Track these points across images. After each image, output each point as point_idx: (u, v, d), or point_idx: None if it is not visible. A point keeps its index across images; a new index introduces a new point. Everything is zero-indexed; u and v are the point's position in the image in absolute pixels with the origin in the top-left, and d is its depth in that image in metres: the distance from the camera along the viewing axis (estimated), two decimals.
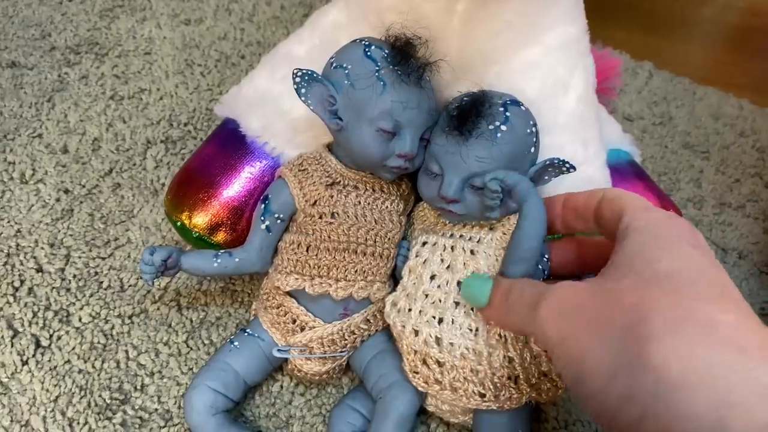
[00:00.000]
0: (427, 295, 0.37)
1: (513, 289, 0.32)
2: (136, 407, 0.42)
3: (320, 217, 0.40)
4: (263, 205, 0.41)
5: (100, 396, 0.42)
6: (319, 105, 0.38)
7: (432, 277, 0.38)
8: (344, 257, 0.40)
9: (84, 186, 0.54)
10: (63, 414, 0.40)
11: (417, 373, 0.37)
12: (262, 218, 0.41)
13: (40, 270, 0.48)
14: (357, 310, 0.41)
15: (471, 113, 0.36)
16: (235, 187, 0.45)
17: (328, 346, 0.41)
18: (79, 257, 0.49)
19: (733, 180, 0.67)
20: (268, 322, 0.42)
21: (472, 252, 0.38)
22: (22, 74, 0.62)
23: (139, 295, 0.47)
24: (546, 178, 0.38)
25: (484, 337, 0.36)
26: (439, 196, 0.37)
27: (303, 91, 0.37)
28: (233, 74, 0.66)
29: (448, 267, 0.38)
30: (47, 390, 0.41)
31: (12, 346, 0.43)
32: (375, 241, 0.40)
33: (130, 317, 0.46)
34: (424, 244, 0.40)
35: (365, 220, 0.40)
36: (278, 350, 0.41)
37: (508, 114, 0.37)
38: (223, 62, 0.67)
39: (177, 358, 0.44)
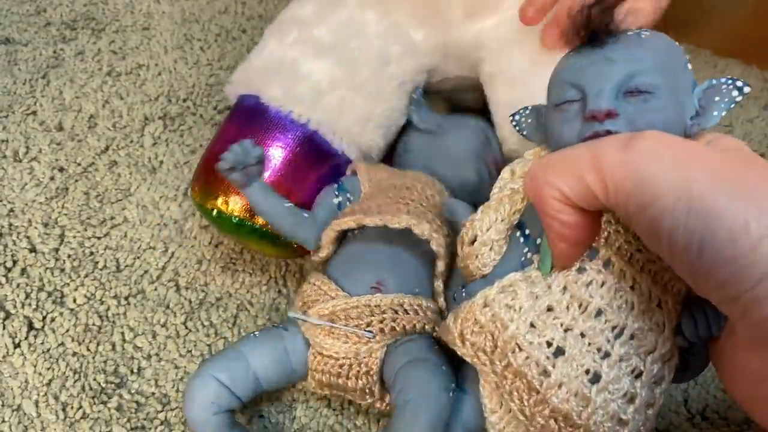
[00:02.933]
0: (550, 310, 0.28)
1: (552, 154, 0.26)
2: (133, 391, 0.40)
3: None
4: (336, 185, 0.40)
5: (94, 379, 0.40)
6: None
7: (564, 289, 0.28)
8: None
9: (79, 164, 0.52)
10: (56, 398, 0.39)
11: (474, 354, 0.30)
12: (336, 193, 0.40)
13: (33, 250, 0.46)
14: (392, 290, 0.36)
15: (601, 21, 0.27)
16: (269, 163, 0.41)
17: (352, 320, 0.36)
18: (74, 237, 0.47)
19: (757, 154, 0.64)
20: (295, 307, 0.39)
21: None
22: (16, 50, 0.60)
23: (135, 276, 0.45)
24: (715, 113, 0.28)
25: (606, 387, 0.27)
26: (586, 118, 0.27)
27: None
28: (234, 49, 0.64)
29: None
30: (40, 373, 0.40)
31: (4, 328, 0.41)
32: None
33: (126, 298, 0.44)
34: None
35: None
36: (294, 314, 0.37)
37: (645, 30, 0.28)
38: (224, 37, 0.65)
39: (175, 340, 0.42)
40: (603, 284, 0.27)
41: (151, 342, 0.42)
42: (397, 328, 0.36)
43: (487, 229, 0.31)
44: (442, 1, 0.44)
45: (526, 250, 0.30)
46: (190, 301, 0.44)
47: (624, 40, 0.27)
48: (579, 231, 0.26)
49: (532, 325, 0.28)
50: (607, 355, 0.27)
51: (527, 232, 0.30)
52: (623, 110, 0.26)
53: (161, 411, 0.39)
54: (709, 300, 0.23)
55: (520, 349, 0.27)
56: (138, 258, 0.46)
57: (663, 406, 0.29)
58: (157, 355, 0.41)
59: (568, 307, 0.27)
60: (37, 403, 0.38)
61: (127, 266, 0.46)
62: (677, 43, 0.29)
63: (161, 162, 0.53)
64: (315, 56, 0.43)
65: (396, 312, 0.36)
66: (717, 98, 0.28)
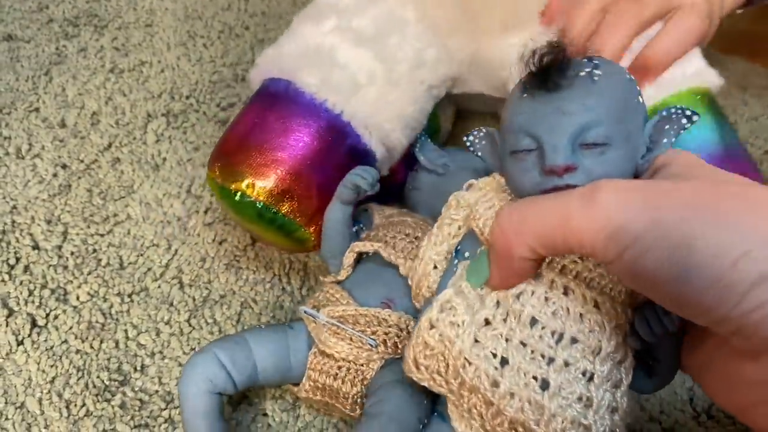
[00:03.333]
0: (487, 324, 0.28)
1: (507, 207, 0.27)
2: (136, 389, 0.40)
3: None
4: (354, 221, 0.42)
5: (98, 377, 0.40)
6: None
7: (497, 303, 0.29)
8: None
9: (82, 161, 0.52)
10: (60, 396, 0.38)
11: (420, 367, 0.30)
12: (353, 224, 0.42)
13: (36, 247, 0.45)
14: (401, 308, 0.37)
15: (554, 64, 0.27)
16: (297, 149, 0.40)
17: (359, 326, 0.36)
18: (77, 234, 0.47)
19: (762, 152, 0.63)
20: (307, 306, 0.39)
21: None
22: (19, 47, 0.60)
23: (139, 273, 0.45)
24: (665, 140, 0.29)
25: (558, 392, 0.27)
26: (545, 171, 0.27)
27: None
28: (237, 46, 0.64)
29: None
30: (43, 371, 0.39)
31: (7, 325, 0.41)
32: None
33: (129, 295, 0.44)
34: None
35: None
36: (305, 310, 0.37)
37: (596, 62, 0.28)
38: (227, 33, 0.65)
39: (179, 338, 0.42)
40: (533, 293, 0.28)
41: (154, 339, 0.42)
42: (399, 346, 0.36)
43: (433, 254, 0.33)
44: (482, 9, 0.44)
45: (456, 261, 0.32)
46: (194, 299, 0.44)
47: (577, 85, 0.27)
48: (532, 271, 0.27)
49: (475, 339, 0.28)
50: (551, 360, 0.27)
51: (458, 248, 0.32)
52: (581, 163, 0.27)
53: (165, 409, 0.39)
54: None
55: (469, 364, 0.28)
56: (141, 255, 0.46)
57: (630, 411, 0.29)
58: (160, 352, 0.41)
59: (504, 320, 0.28)
60: (40, 400, 0.38)
61: (130, 263, 0.46)
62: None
63: (164, 159, 0.53)
64: (355, 46, 0.43)
65: (401, 330, 0.37)
66: (667, 127, 0.29)
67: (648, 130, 0.29)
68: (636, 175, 0.29)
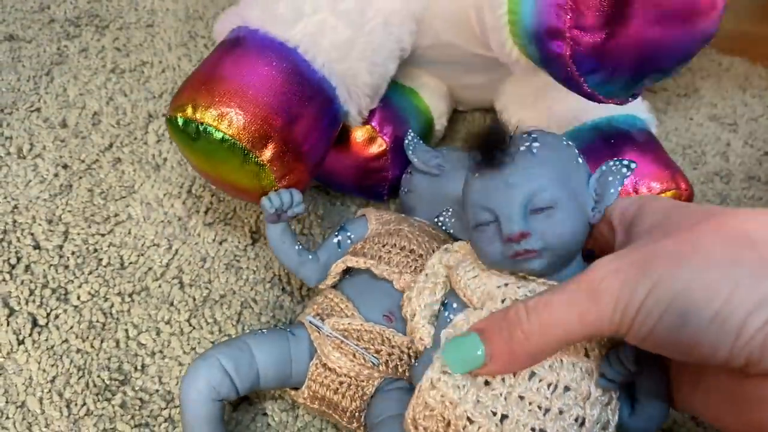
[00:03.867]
0: (487, 384, 0.30)
1: (521, 307, 0.28)
2: (136, 388, 0.40)
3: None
4: (339, 227, 0.43)
5: (98, 376, 0.40)
6: None
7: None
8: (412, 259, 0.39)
9: (83, 161, 0.52)
10: (60, 395, 0.39)
11: None
12: (336, 233, 0.42)
13: (37, 247, 0.46)
14: (401, 321, 0.37)
15: (495, 143, 0.31)
16: (255, 82, 0.39)
17: (363, 342, 0.37)
18: (78, 234, 0.47)
19: (762, 153, 0.63)
20: (307, 313, 0.39)
21: None
22: (20, 47, 0.60)
23: (139, 273, 0.45)
24: (611, 191, 0.32)
25: None
26: (504, 240, 0.30)
27: None
28: None
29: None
30: (44, 370, 0.40)
31: (8, 324, 0.41)
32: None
33: (130, 295, 0.44)
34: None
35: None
36: (311, 320, 0.38)
37: (533, 135, 0.32)
38: None
39: (179, 338, 0.42)
40: None
41: (155, 339, 0.42)
42: (400, 369, 0.37)
43: (424, 306, 0.35)
44: None
45: (447, 313, 0.34)
46: (194, 299, 0.44)
47: (519, 160, 0.31)
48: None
49: (477, 400, 0.29)
50: (547, 410, 0.29)
51: (445, 302, 0.35)
52: (534, 228, 0.30)
53: (165, 408, 0.39)
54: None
55: (472, 422, 0.29)
56: (142, 255, 0.46)
57: None
58: (161, 352, 0.41)
59: (503, 379, 0.29)
60: (41, 399, 0.38)
61: (131, 263, 0.46)
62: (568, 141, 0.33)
63: (165, 159, 0.53)
64: None
65: (402, 353, 0.37)
66: (611, 178, 0.32)
67: (592, 185, 0.32)
68: (591, 225, 0.32)
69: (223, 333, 0.43)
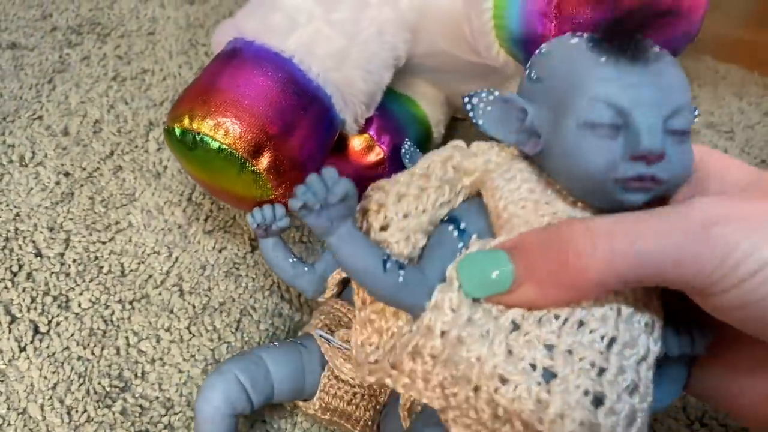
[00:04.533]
0: (517, 328, 0.23)
1: (583, 227, 0.22)
2: (137, 395, 0.40)
3: None
4: None
5: (99, 383, 0.40)
6: None
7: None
8: None
9: (84, 169, 0.52)
10: (61, 402, 0.39)
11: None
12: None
13: (39, 254, 0.46)
14: None
15: (637, 26, 0.23)
16: (254, 93, 0.40)
17: None
18: (79, 241, 0.47)
19: (758, 161, 0.64)
20: (315, 325, 0.39)
21: None
22: (23, 55, 0.61)
23: (140, 280, 0.46)
24: None
25: (612, 408, 0.22)
26: (632, 156, 0.22)
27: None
28: None
29: None
30: (45, 377, 0.40)
31: (10, 332, 0.42)
32: None
33: (130, 302, 0.44)
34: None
35: None
36: (320, 334, 0.37)
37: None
38: None
39: (179, 345, 0.43)
40: None
41: (155, 346, 0.42)
42: None
43: (404, 216, 0.26)
44: None
45: (461, 245, 0.25)
46: (194, 306, 0.45)
47: (663, 60, 0.24)
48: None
49: (509, 351, 0.23)
50: (602, 371, 0.22)
51: (462, 226, 0.26)
52: (669, 153, 0.23)
53: (165, 415, 0.39)
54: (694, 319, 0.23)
55: (505, 382, 0.22)
56: (142, 263, 0.47)
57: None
58: (161, 359, 0.42)
59: (540, 321, 0.23)
60: (42, 406, 0.39)
61: (131, 271, 0.46)
62: None
63: (165, 167, 0.53)
64: None
65: None
66: None
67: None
68: None
69: (222, 340, 0.43)
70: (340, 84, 0.44)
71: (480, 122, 0.26)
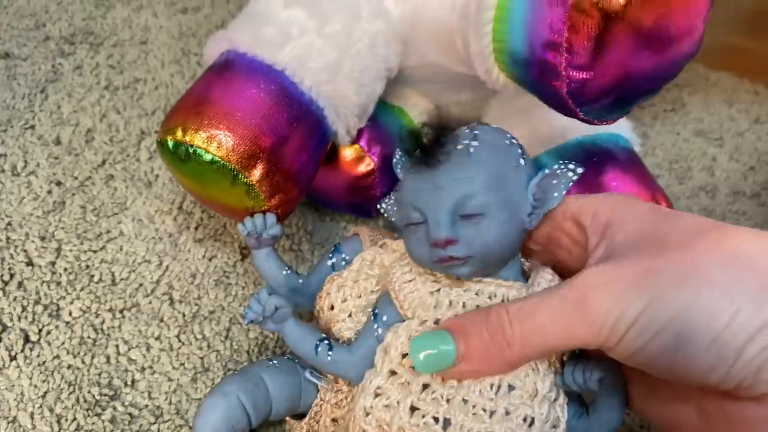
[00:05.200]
0: (426, 387, 0.29)
1: (504, 312, 0.27)
2: (126, 403, 0.40)
3: None
4: (333, 248, 0.42)
5: (89, 392, 0.40)
6: None
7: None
8: None
9: (76, 178, 0.53)
10: (51, 410, 0.39)
11: None
12: (330, 255, 0.41)
13: (30, 263, 0.46)
14: None
15: (433, 141, 0.30)
16: (246, 105, 0.40)
17: None
18: (70, 250, 0.48)
19: (747, 168, 0.64)
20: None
21: None
22: (16, 65, 0.61)
23: (131, 289, 0.46)
24: (555, 194, 0.31)
25: None
26: (430, 244, 0.30)
27: None
28: None
29: None
30: (35, 386, 0.40)
31: (0, 341, 0.42)
32: None
33: (121, 311, 0.45)
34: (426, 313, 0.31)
35: None
36: (310, 373, 0.37)
37: (476, 132, 0.31)
38: None
39: (168, 353, 0.43)
40: None
41: (144, 355, 0.43)
42: None
43: (342, 301, 0.35)
44: None
45: (376, 326, 0.33)
46: (184, 315, 0.45)
47: (453, 160, 0.30)
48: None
49: (413, 408, 0.28)
50: (493, 412, 0.28)
51: (377, 311, 0.33)
52: (460, 235, 0.29)
53: (154, 423, 0.40)
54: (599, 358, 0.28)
55: None
56: (133, 271, 0.47)
57: None
58: (150, 367, 0.42)
59: (443, 378, 0.28)
60: (32, 415, 0.39)
61: (122, 279, 0.47)
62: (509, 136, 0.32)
63: (157, 176, 0.54)
64: (285, 7, 0.45)
65: None
66: (555, 181, 0.31)
67: (531, 190, 0.31)
68: (526, 231, 0.31)
69: (211, 348, 0.43)
70: (332, 97, 0.44)
71: (392, 219, 0.36)
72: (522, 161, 0.32)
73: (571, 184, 0.31)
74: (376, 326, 0.33)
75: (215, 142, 0.39)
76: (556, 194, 0.31)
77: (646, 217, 0.28)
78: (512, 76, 0.40)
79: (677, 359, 0.24)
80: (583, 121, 0.37)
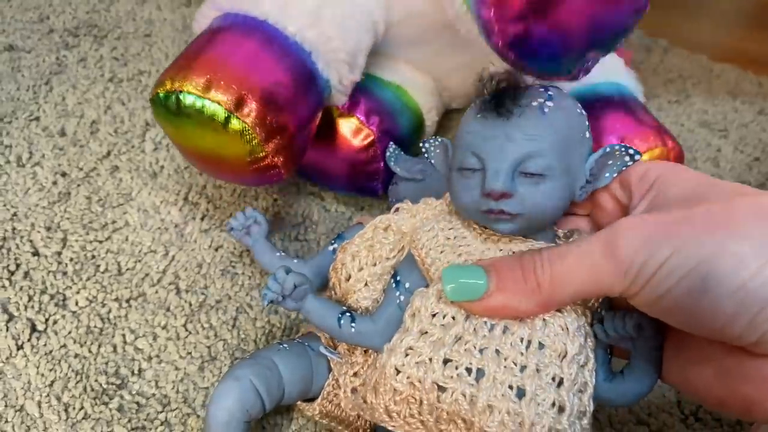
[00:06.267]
0: (459, 339, 0.29)
1: (537, 255, 0.28)
2: (133, 392, 0.40)
3: None
4: (336, 236, 0.43)
5: (96, 381, 0.40)
6: None
7: (467, 317, 0.29)
8: None
9: (81, 169, 0.53)
10: (58, 399, 0.39)
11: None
12: (333, 241, 0.42)
13: (36, 254, 0.46)
14: None
15: (509, 90, 0.29)
16: (245, 57, 0.41)
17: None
18: (76, 240, 0.48)
19: (752, 159, 0.64)
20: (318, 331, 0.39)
21: None
22: (20, 57, 0.61)
23: (136, 279, 0.46)
24: (606, 175, 0.30)
25: (534, 399, 0.27)
26: (483, 194, 0.29)
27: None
28: None
29: None
30: (42, 375, 0.40)
31: (7, 330, 0.42)
32: None
33: (127, 301, 0.45)
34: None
35: None
36: (324, 348, 0.37)
37: (550, 93, 0.30)
38: None
39: (175, 342, 0.43)
40: None
41: (151, 344, 0.43)
42: None
43: (359, 270, 0.35)
44: None
45: (398, 293, 0.32)
46: (190, 304, 0.45)
47: (527, 115, 0.29)
48: None
49: (446, 361, 0.28)
50: (523, 367, 0.28)
51: (398, 278, 0.33)
52: (516, 191, 0.29)
53: (162, 411, 0.40)
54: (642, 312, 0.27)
55: (443, 390, 0.28)
56: (139, 261, 0.47)
57: (608, 413, 0.31)
58: (157, 356, 0.42)
59: (475, 330, 0.28)
60: (39, 403, 0.39)
61: (128, 269, 0.47)
62: (582, 111, 0.31)
63: (162, 167, 0.54)
64: None
65: None
66: (610, 162, 0.31)
67: (590, 164, 0.31)
68: (572, 202, 0.31)
69: (218, 338, 0.43)
70: (317, 42, 0.44)
71: (432, 161, 0.35)
72: (587, 134, 0.31)
73: (624, 168, 0.30)
74: (398, 293, 0.32)
75: (203, 86, 0.39)
76: (607, 175, 0.31)
77: (690, 181, 0.28)
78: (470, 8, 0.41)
79: (702, 304, 0.24)
80: (539, 75, 0.37)
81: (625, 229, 0.26)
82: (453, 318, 0.29)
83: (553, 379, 0.28)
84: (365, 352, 0.35)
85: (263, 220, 0.44)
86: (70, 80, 0.60)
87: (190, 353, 0.42)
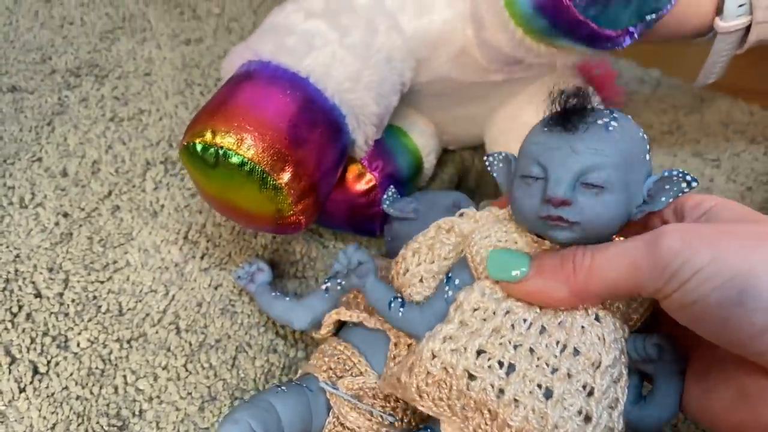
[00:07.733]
0: (495, 332, 0.30)
1: (582, 249, 0.29)
2: None
3: None
4: (327, 277, 0.46)
5: (97, 423, 0.41)
6: None
7: (507, 313, 0.31)
8: None
9: (83, 209, 0.53)
10: None
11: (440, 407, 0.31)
12: (326, 280, 0.44)
13: (38, 295, 0.47)
14: None
15: (577, 107, 0.31)
16: (269, 109, 0.41)
17: (379, 401, 0.38)
18: (78, 281, 0.48)
19: (744, 188, 0.65)
20: (320, 368, 0.39)
21: None
22: (23, 98, 0.62)
23: (137, 319, 0.47)
24: (663, 199, 0.31)
25: (560, 401, 0.28)
26: (544, 200, 0.30)
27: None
28: None
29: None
30: (44, 417, 0.41)
31: (10, 372, 0.42)
32: None
33: (128, 341, 0.45)
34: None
35: None
36: (325, 384, 0.38)
37: (615, 115, 0.31)
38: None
39: (176, 383, 0.43)
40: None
41: (152, 384, 0.43)
42: (412, 422, 0.38)
43: (417, 265, 0.36)
44: None
45: (447, 288, 0.34)
46: (190, 344, 0.45)
47: (592, 131, 0.30)
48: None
49: (479, 352, 0.30)
50: (555, 369, 0.29)
51: (450, 275, 0.34)
52: (576, 200, 0.29)
53: None
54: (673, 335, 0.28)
55: (473, 378, 0.29)
56: (140, 301, 0.48)
57: None
58: (158, 397, 0.43)
59: (513, 326, 0.30)
60: None
61: (129, 310, 0.47)
62: (641, 131, 0.32)
63: (162, 206, 0.54)
64: (306, 19, 0.46)
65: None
66: (667, 187, 0.31)
67: (648, 185, 0.31)
68: (629, 220, 0.31)
69: (218, 377, 0.44)
70: (354, 105, 0.46)
71: (495, 174, 0.36)
72: (647, 156, 0.32)
73: (680, 194, 0.31)
74: (447, 288, 0.34)
75: (245, 144, 0.39)
76: (663, 199, 0.31)
77: (744, 210, 0.29)
78: (528, 25, 0.42)
79: (733, 316, 0.24)
80: (596, 36, 0.39)
81: (670, 231, 0.26)
82: (493, 313, 0.31)
83: (584, 387, 0.29)
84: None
85: (266, 268, 0.47)
86: (72, 120, 0.61)
87: (190, 393, 0.43)
